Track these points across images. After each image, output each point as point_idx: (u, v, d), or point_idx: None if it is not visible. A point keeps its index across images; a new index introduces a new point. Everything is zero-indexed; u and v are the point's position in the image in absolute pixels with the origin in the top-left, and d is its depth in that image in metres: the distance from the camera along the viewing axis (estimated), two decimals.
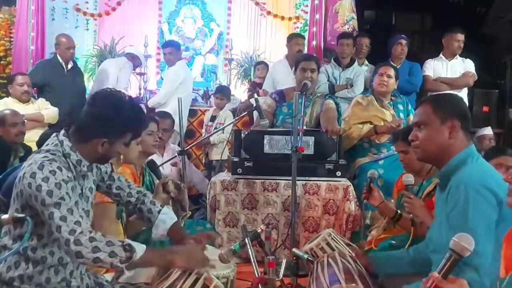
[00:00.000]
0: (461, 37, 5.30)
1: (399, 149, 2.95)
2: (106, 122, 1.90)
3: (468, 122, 1.97)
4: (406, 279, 1.90)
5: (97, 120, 1.91)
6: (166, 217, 2.18)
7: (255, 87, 5.83)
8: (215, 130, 4.92)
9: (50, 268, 1.89)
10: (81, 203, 1.91)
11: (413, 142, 2.02)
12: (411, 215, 2.54)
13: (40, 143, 3.19)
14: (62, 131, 1.96)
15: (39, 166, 1.78)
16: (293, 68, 5.09)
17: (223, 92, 5.48)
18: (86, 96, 5.93)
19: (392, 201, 3.01)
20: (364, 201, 2.85)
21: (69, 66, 5.50)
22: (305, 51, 6.32)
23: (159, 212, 2.18)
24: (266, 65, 6.06)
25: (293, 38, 5.63)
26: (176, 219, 2.22)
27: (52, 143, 1.92)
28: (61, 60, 5.43)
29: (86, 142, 1.92)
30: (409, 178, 2.58)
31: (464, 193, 1.79)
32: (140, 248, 1.79)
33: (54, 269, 1.90)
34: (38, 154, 1.88)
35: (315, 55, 5.67)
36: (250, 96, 5.55)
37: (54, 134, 1.97)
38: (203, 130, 5.53)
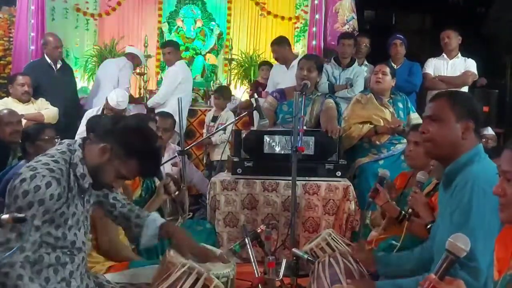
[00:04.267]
0: (448, 33, 5.33)
1: (413, 139, 2.88)
2: (124, 131, 1.92)
3: (480, 126, 1.94)
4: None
5: (120, 127, 1.94)
6: (156, 217, 2.21)
7: (257, 87, 5.84)
8: (216, 130, 4.92)
9: (49, 267, 1.89)
10: (79, 216, 1.94)
11: (424, 134, 1.97)
12: (410, 210, 2.54)
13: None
14: (79, 141, 1.96)
15: (31, 175, 1.79)
16: (289, 69, 5.13)
17: (220, 92, 5.53)
18: (81, 95, 5.94)
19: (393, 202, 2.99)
20: (369, 199, 2.84)
21: (58, 65, 5.43)
22: (305, 51, 6.35)
23: (147, 216, 2.21)
24: (271, 66, 6.07)
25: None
26: (165, 220, 2.23)
27: (60, 149, 1.93)
28: (49, 61, 5.36)
29: (95, 143, 1.91)
30: (423, 176, 2.60)
31: (470, 192, 1.77)
32: None
33: (53, 268, 1.90)
34: (44, 156, 1.89)
35: (317, 55, 5.68)
36: (251, 96, 5.55)
37: (67, 142, 1.97)
38: (204, 131, 5.54)
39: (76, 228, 1.94)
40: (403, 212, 2.70)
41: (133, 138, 1.91)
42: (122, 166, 1.91)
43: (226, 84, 6.46)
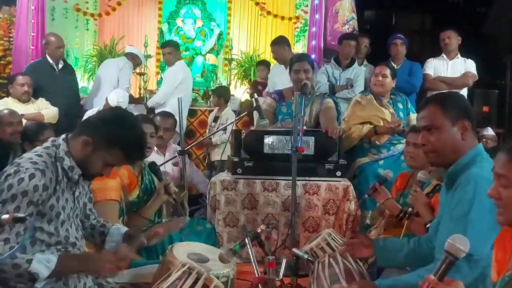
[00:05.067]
0: (448, 33, 5.33)
1: (412, 140, 2.87)
2: (101, 122, 1.94)
3: (475, 121, 1.93)
4: None
5: (97, 118, 1.97)
6: (120, 226, 2.28)
7: (256, 86, 5.84)
8: (216, 131, 4.93)
9: None
10: (69, 211, 1.96)
11: (425, 147, 1.95)
12: (410, 209, 2.56)
13: None
14: (63, 135, 1.98)
15: (15, 170, 1.80)
16: (287, 69, 5.13)
17: (217, 91, 5.60)
18: (81, 95, 5.94)
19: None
20: (365, 196, 2.83)
21: (60, 65, 5.40)
22: (305, 51, 6.35)
23: (112, 225, 2.27)
24: (267, 65, 6.07)
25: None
26: (128, 229, 2.29)
27: (45, 145, 1.95)
28: (51, 61, 5.32)
29: (76, 137, 1.94)
30: (423, 175, 2.62)
31: (473, 190, 1.78)
32: (44, 270, 1.79)
33: None
34: (28, 153, 1.92)
35: (306, 53, 5.69)
36: (251, 95, 5.56)
37: (52, 138, 1.99)
38: (207, 131, 5.55)
39: (68, 224, 1.96)
40: (404, 210, 2.70)
41: (112, 128, 1.93)
42: (107, 156, 1.94)
43: (226, 84, 6.48)
